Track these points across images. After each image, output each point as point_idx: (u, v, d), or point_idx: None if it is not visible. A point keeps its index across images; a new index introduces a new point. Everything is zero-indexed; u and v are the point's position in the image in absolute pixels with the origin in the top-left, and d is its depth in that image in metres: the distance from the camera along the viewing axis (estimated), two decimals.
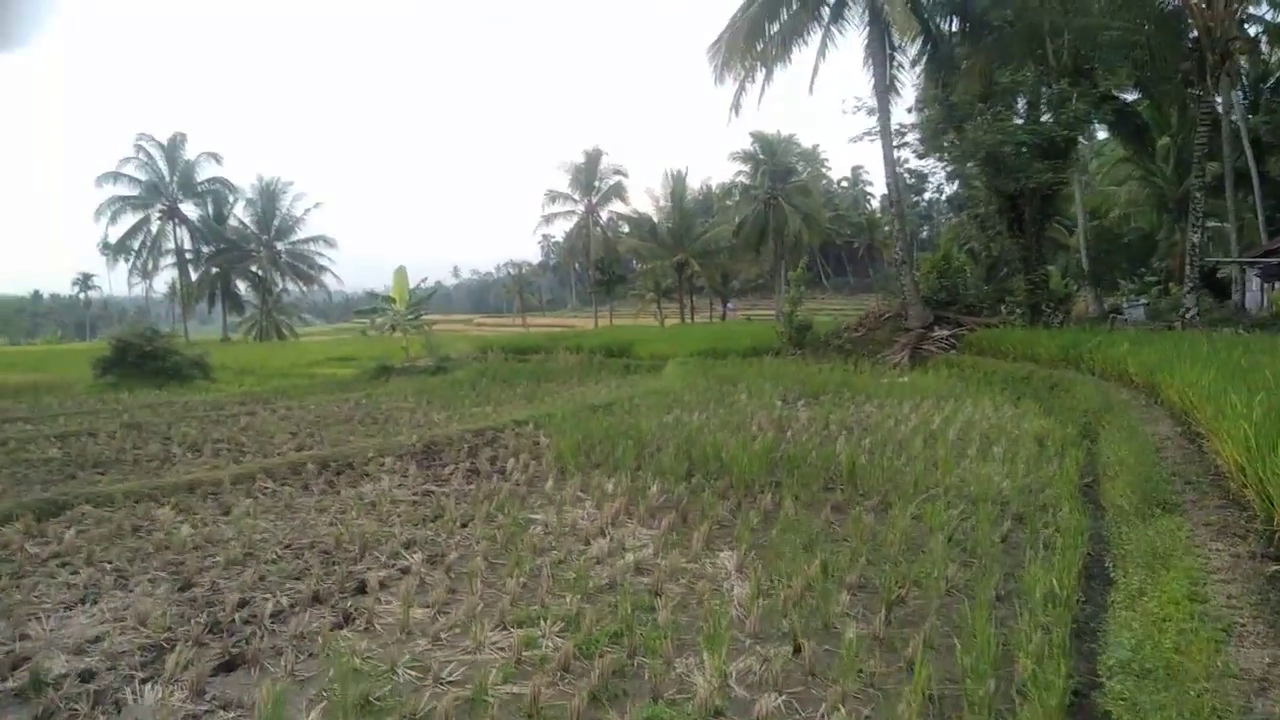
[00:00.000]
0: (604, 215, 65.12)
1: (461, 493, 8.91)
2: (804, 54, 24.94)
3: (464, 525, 7.69)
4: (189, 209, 66.98)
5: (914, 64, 24.31)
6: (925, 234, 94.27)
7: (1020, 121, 20.81)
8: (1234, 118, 35.08)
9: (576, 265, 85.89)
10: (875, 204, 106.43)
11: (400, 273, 29.32)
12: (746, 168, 62.86)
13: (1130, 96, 37.20)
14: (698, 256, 58.23)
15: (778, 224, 58.04)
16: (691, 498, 8.46)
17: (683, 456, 9.97)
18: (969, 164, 22.55)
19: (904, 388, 17.34)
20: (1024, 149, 20.24)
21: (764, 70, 24.02)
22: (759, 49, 23.73)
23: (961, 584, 6.05)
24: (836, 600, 5.66)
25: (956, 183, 24.45)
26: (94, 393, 24.66)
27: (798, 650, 4.92)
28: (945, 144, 22.22)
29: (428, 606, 5.69)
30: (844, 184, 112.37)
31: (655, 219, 61.09)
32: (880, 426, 12.49)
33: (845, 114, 59.56)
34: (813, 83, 25.06)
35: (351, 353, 37.79)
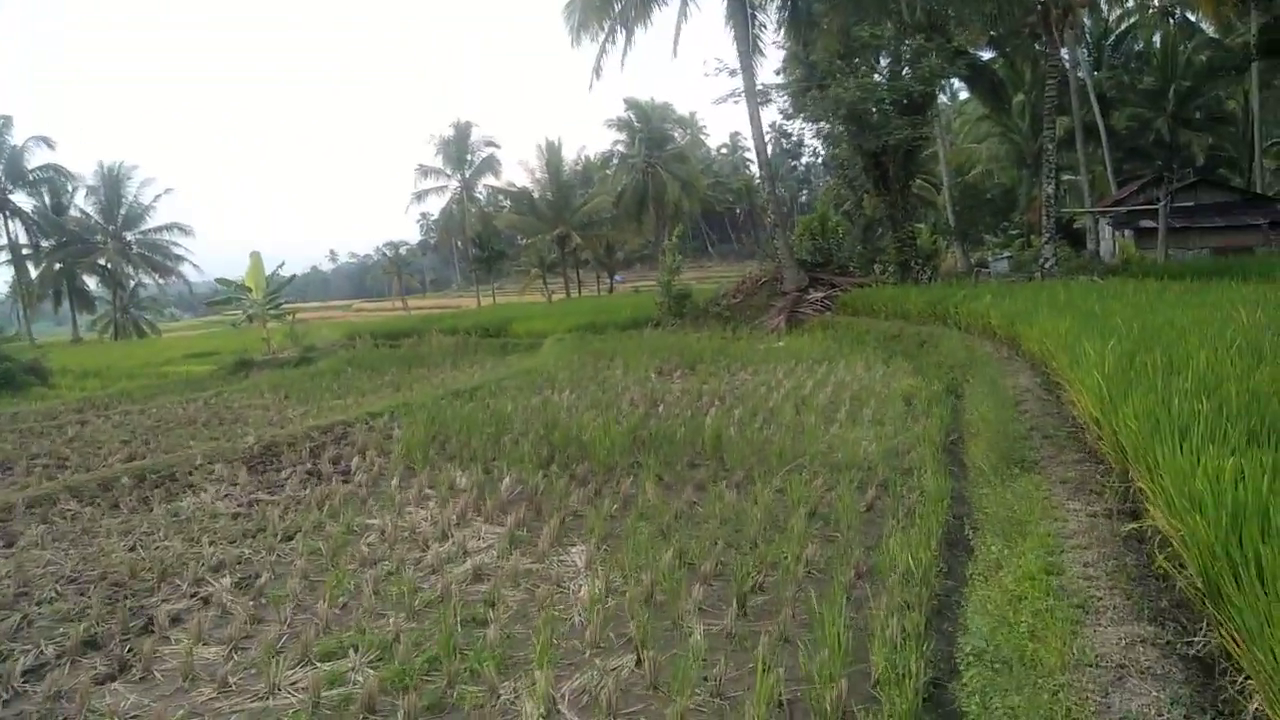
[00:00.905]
0: (479, 190, 63.27)
1: (294, 500, 8.04)
2: (665, 15, 24.36)
3: (288, 539, 6.86)
4: (21, 199, 61.46)
5: (777, 25, 24.12)
6: (804, 198, 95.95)
7: (880, 79, 20.85)
8: (1080, 74, 36.59)
9: (458, 244, 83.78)
10: (755, 170, 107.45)
11: (255, 259, 27.39)
12: (623, 136, 62.17)
13: (987, 55, 38.40)
14: (579, 229, 57.19)
15: (657, 192, 57.70)
16: (548, 487, 7.87)
17: (543, 442, 9.36)
18: (832, 122, 22.54)
19: (780, 352, 17.20)
20: (884, 105, 20.32)
21: (624, 32, 23.34)
22: (617, 9, 23.01)
23: (823, 563, 5.68)
24: (688, 594, 5.18)
25: (839, 145, 24.53)
26: None
27: (640, 661, 4.40)
28: (808, 103, 22.07)
29: (224, 643, 4.91)
30: (723, 150, 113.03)
31: (533, 192, 59.69)
32: (752, 395, 12.18)
33: (707, 76, 58.82)
34: (676, 45, 24.56)
35: (213, 347, 35.56)
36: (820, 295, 22.27)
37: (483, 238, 59.75)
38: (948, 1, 20.49)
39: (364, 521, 7.23)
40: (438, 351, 24.20)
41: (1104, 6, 42.52)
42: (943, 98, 37.74)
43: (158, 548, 6.71)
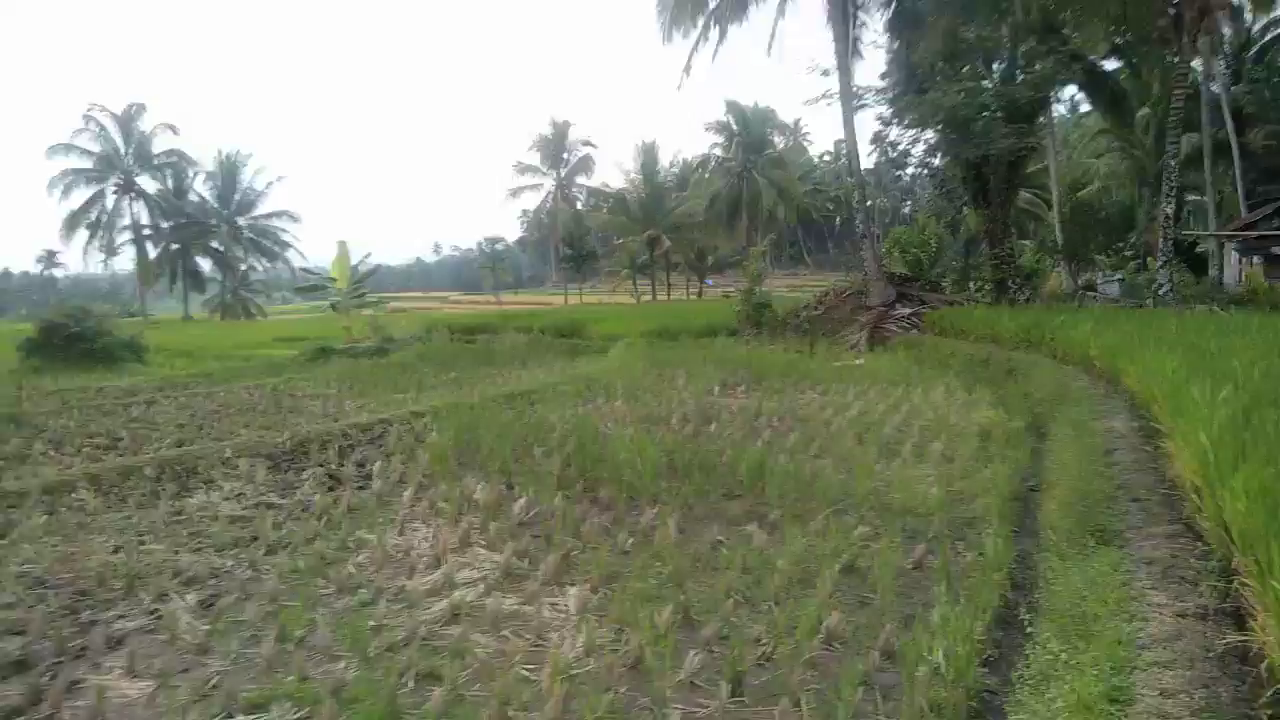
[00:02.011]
0: (574, 189, 63.42)
1: (301, 506, 7.62)
2: (762, 11, 23.45)
3: (275, 552, 6.39)
4: (146, 182, 64.82)
5: (881, 26, 22.88)
6: (908, 210, 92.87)
7: (986, 84, 19.39)
8: (1215, 87, 33.86)
9: (558, 243, 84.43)
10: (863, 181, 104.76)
11: (341, 248, 27.76)
12: (721, 139, 61.28)
13: (1111, 65, 35.96)
14: (669, 231, 56.68)
15: (751, 197, 56.61)
16: (564, 511, 7.20)
17: (575, 458, 8.71)
18: (931, 130, 21.19)
19: (855, 371, 16.14)
20: (988, 112, 18.91)
21: (717, 28, 22.55)
22: (711, 5, 22.22)
23: (848, 634, 4.84)
24: (682, 663, 4.42)
25: (938, 155, 23.11)
26: (14, 378, 23.14)
27: None
28: (906, 107, 20.78)
29: (153, 678, 4.41)
30: (825, 158, 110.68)
31: (626, 193, 59.42)
32: (815, 418, 11.26)
33: (801, 76, 56.78)
34: (771, 43, 23.61)
35: (302, 333, 36.33)
36: (907, 312, 20.99)
37: (574, 236, 59.83)
38: (1064, 1, 18.93)
39: (361, 537, 6.71)
40: (510, 350, 23.94)
41: (1248, 15, 39.34)
42: (1060, 109, 35.59)
43: (141, 551, 6.34)
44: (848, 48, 21.80)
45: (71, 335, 27.24)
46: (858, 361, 17.72)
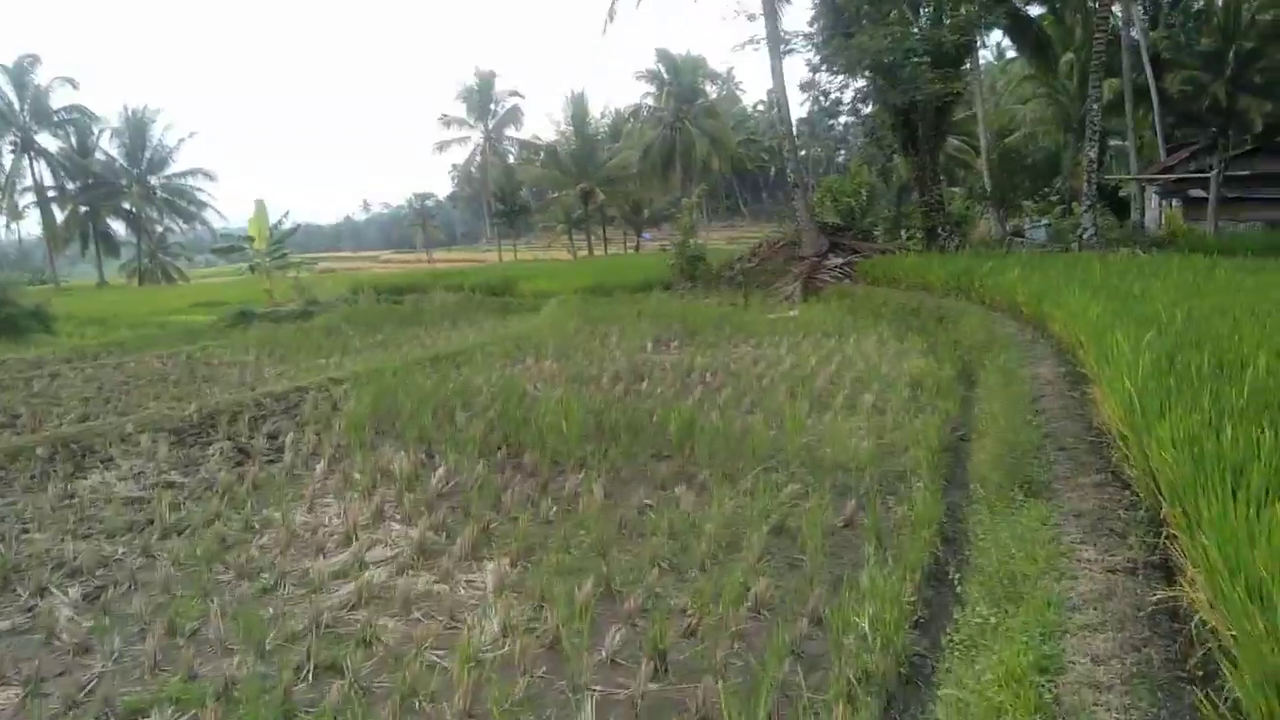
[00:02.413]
0: (503, 143, 61.89)
1: (205, 484, 7.16)
2: None
3: (170, 536, 5.96)
4: (47, 141, 61.19)
5: None
6: (842, 158, 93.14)
7: (913, 29, 19.13)
8: (1134, 34, 34.32)
9: (489, 199, 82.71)
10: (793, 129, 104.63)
11: (259, 207, 26.55)
12: (652, 89, 60.27)
13: (1036, 11, 36.14)
14: (603, 184, 55.78)
15: (684, 148, 55.95)
16: (485, 480, 6.89)
17: (499, 422, 8.38)
18: (857, 75, 20.89)
19: (789, 323, 16.04)
20: (914, 56, 18.70)
21: None
22: None
23: (776, 600, 4.67)
24: (602, 641, 4.20)
25: (867, 102, 22.86)
26: None
27: None
28: (831, 53, 20.42)
29: (21, 684, 4.01)
30: (759, 108, 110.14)
31: (557, 145, 58.13)
32: (748, 372, 11.09)
33: (724, 20, 55.36)
34: None
35: (222, 297, 34.97)
36: (839, 262, 20.94)
37: (505, 191, 58.49)
38: None
39: (268, 516, 6.32)
40: (439, 310, 23.29)
41: None
42: (986, 54, 35.62)
43: (22, 541, 5.85)
44: None
45: None
46: (791, 313, 17.62)
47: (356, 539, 5.72)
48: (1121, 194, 37.46)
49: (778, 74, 21.43)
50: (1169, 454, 3.74)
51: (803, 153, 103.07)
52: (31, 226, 67.88)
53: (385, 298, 26.61)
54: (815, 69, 21.45)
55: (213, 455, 8.02)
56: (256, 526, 6.11)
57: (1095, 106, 20.48)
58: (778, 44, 21.32)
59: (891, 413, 8.56)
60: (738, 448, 7.43)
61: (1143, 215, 32.37)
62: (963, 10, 18.03)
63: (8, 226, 63.10)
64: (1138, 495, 4.47)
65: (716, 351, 13.28)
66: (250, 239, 26.52)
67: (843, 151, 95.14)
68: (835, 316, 16.35)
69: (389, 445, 8.04)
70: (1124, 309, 8.38)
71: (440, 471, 6.96)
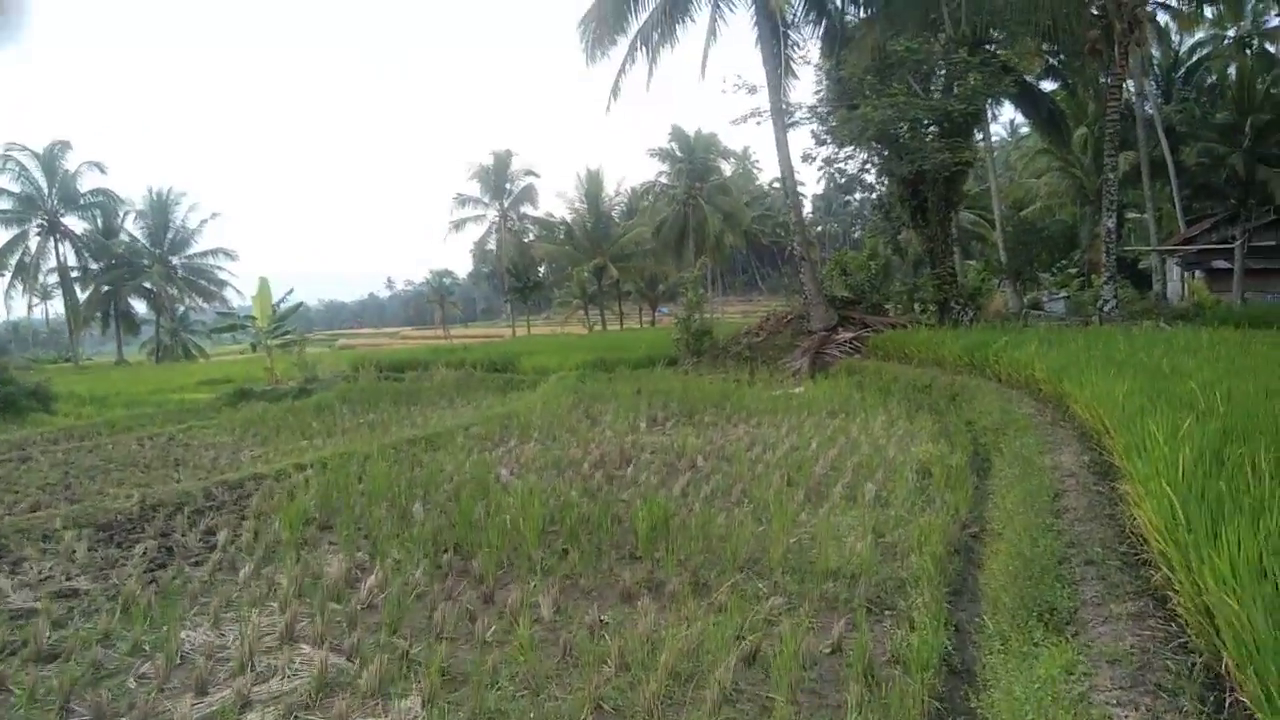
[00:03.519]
0: (517, 220, 62.29)
1: (110, 593, 6.31)
2: (693, 33, 22.74)
3: (42, 661, 5.10)
4: (73, 223, 62.25)
5: (810, 40, 22.25)
6: (857, 234, 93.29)
7: (917, 100, 18.68)
8: (1148, 108, 34.05)
9: (505, 274, 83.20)
10: (807, 205, 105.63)
11: (262, 284, 26.24)
12: (666, 166, 60.74)
13: (1048, 87, 36.04)
14: (616, 260, 55.75)
15: (697, 224, 56.00)
16: (423, 589, 6.02)
17: (456, 517, 7.52)
18: (860, 146, 20.43)
19: (794, 401, 15.17)
20: (920, 126, 18.21)
21: (645, 50, 21.69)
22: (635, 26, 21.45)
23: None
24: None
25: (871, 172, 22.52)
26: None
27: None
28: (834, 124, 20.02)
29: None
30: (775, 185, 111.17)
31: (571, 221, 58.41)
32: (741, 457, 10.19)
33: (724, 93, 55.58)
34: (704, 66, 22.82)
35: (227, 374, 34.61)
36: (849, 336, 20.14)
37: (519, 267, 58.57)
38: (994, 12, 18.33)
39: (163, 636, 5.44)
40: (437, 387, 22.64)
41: (1174, 37, 39.94)
42: (1000, 130, 35.31)
43: None
44: (778, 66, 21.09)
45: None
46: (797, 390, 16.76)
47: (253, 667, 4.84)
48: (1141, 266, 36.68)
49: (782, 146, 21.05)
50: (1231, 594, 2.84)
51: (819, 229, 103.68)
52: (59, 306, 68.62)
53: (386, 374, 26.01)
54: (821, 141, 21.06)
55: (134, 556, 7.19)
56: (146, 649, 5.24)
57: (1111, 176, 19.87)
58: (781, 116, 20.99)
59: (896, 505, 7.63)
60: (717, 549, 6.52)
61: (1164, 287, 31.51)
62: (970, 79, 17.60)
63: (38, 305, 63.74)
64: (1187, 633, 3.55)
65: (713, 432, 12.42)
66: (252, 317, 26.16)
67: (858, 227, 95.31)
68: (842, 394, 15.47)
69: (328, 546, 7.19)
70: (1154, 388, 7.51)
71: (372, 579, 6.08)
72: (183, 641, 5.30)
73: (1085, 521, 5.33)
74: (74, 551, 7.27)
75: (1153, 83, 37.60)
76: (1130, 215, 41.13)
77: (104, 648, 5.25)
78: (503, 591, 6.01)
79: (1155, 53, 37.69)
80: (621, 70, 22.22)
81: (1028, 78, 30.62)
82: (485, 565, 6.30)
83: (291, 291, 27.01)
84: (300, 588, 6.14)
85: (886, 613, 5.36)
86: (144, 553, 7.23)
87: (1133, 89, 31.97)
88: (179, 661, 5.04)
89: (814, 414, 13.68)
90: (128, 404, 27.02)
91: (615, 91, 22.48)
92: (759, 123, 21.14)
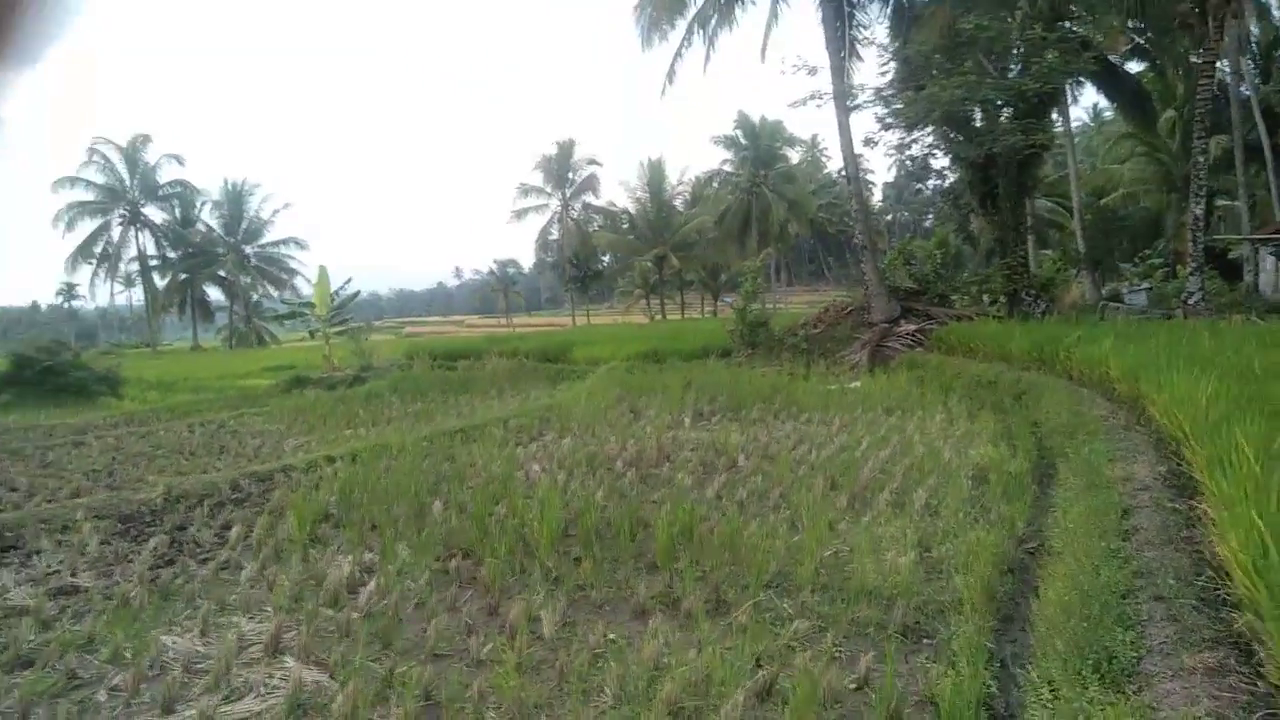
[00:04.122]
0: (578, 209, 62.11)
1: (105, 591, 6.11)
2: (753, 15, 21.99)
3: (19, 668, 4.88)
4: (153, 213, 64.48)
5: (877, 20, 21.25)
6: (929, 223, 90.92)
7: (988, 80, 17.54)
8: (1244, 88, 31.91)
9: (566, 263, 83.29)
10: (877, 194, 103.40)
11: (321, 273, 26.51)
12: (730, 154, 59.75)
13: (1135, 68, 34.09)
14: (678, 249, 55.11)
15: (761, 212, 54.96)
16: (424, 598, 5.65)
17: (475, 516, 7.15)
18: (930, 130, 19.37)
19: (849, 396, 14.46)
20: (991, 106, 17.12)
21: (701, 33, 21.05)
22: (693, 10, 20.76)
23: None
24: None
25: (938, 155, 21.38)
26: None
27: None
28: (899, 105, 18.98)
29: None
30: (843, 174, 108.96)
31: (633, 211, 57.93)
32: (785, 456, 9.61)
33: (782, 74, 53.63)
34: (765, 48, 22.06)
35: (293, 361, 35.24)
36: (912, 329, 19.23)
37: (580, 256, 58.41)
38: None
39: (147, 641, 5.18)
40: (489, 376, 22.49)
41: (1275, 11, 37.37)
42: (1082, 114, 33.42)
43: None
44: (841, 47, 20.19)
45: (45, 369, 26.39)
46: (853, 385, 16.02)
47: (228, 683, 4.52)
48: (1231, 256, 34.55)
49: (845, 130, 20.15)
50: None
51: (889, 217, 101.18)
52: (141, 293, 71.22)
53: (440, 363, 26.02)
54: (885, 125, 20.07)
55: (144, 551, 7.00)
56: (128, 656, 4.97)
57: (1201, 159, 18.51)
58: (844, 99, 20.08)
59: (946, 515, 6.98)
60: (745, 560, 6.01)
61: (1256, 278, 29.51)
62: (1047, 57, 16.44)
63: (122, 293, 66.25)
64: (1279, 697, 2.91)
65: (759, 429, 11.84)
66: (312, 305, 26.44)
67: (930, 215, 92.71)
68: (900, 389, 14.70)
69: (341, 543, 6.90)
70: (1244, 393, 6.71)
71: (371, 586, 5.74)
72: (165, 649, 5.03)
73: (1157, 546, 4.66)
74: (86, 545, 7.13)
75: (1249, 61, 35.26)
76: (1220, 203, 38.79)
77: (85, 654, 5.00)
78: (509, 602, 5.60)
79: (1254, 28, 35.34)
80: (678, 54, 21.65)
81: (1112, 58, 28.96)
82: (492, 573, 5.89)
83: (350, 280, 27.27)
84: (299, 592, 5.84)
85: (924, 641, 4.77)
86: (154, 548, 7.03)
87: (1227, 68, 30.01)
88: (157, 672, 4.75)
89: (869, 411, 12.99)
90: (193, 389, 27.65)
91: (670, 76, 21.91)
92: (819, 105, 20.35)
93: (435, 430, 12.48)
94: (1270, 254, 29.62)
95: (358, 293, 28.00)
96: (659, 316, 61.25)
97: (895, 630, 4.86)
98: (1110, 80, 28.34)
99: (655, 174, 56.52)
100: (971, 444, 9.79)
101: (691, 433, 11.78)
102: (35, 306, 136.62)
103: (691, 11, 21.13)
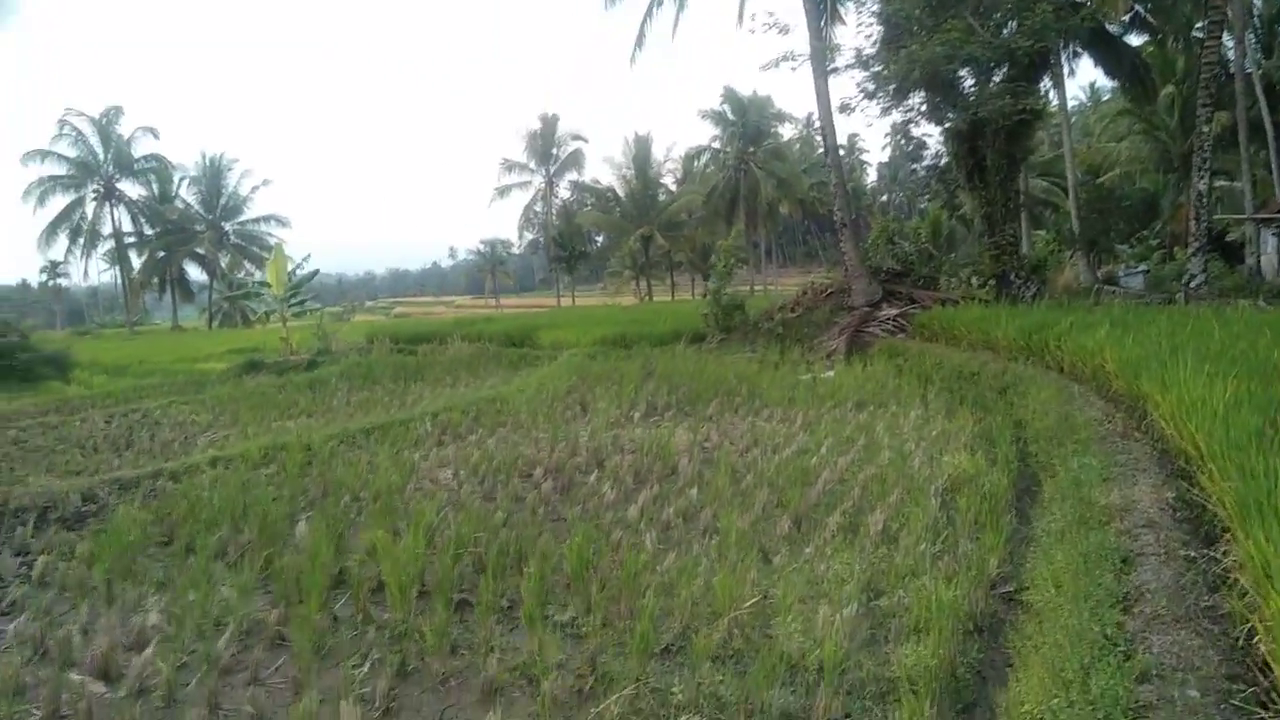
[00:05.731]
0: (563, 187, 60.49)
1: None
2: None
3: None
4: (128, 188, 62.53)
5: None
6: (924, 205, 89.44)
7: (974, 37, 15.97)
8: (1246, 63, 30.50)
9: (550, 242, 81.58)
10: (871, 174, 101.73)
11: (277, 252, 25.06)
12: (718, 130, 58.02)
13: (1136, 42, 32.64)
14: (664, 229, 53.58)
15: (749, 190, 53.43)
16: (228, 663, 4.38)
17: (322, 550, 5.86)
18: (906, 92, 17.83)
19: (820, 388, 13.18)
20: (978, 65, 15.61)
21: None
22: None
23: None
24: None
25: (906, 124, 19.90)
26: None
27: None
28: (877, 65, 17.46)
29: None
30: (839, 153, 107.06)
31: (619, 188, 56.29)
32: (732, 463, 8.34)
33: (752, 33, 50.93)
34: (742, 11, 20.59)
35: (252, 343, 33.85)
36: (893, 313, 17.91)
37: (564, 236, 56.80)
38: None
39: None
40: (449, 361, 21.20)
41: None
42: (1078, 92, 31.87)
43: None
44: (819, 5, 18.72)
45: None
46: (827, 374, 14.73)
47: None
48: (1229, 238, 33.28)
49: (822, 95, 18.66)
50: None
51: (883, 198, 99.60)
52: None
53: (401, 347, 24.68)
54: (868, 94, 18.55)
55: None
56: None
57: (1206, 130, 17.16)
58: (822, 61, 18.59)
59: (905, 546, 5.73)
60: (640, 614, 4.73)
61: (1258, 261, 28.24)
62: (1038, 11, 14.95)
63: (85, 273, 64.32)
64: None
65: (713, 426, 10.56)
66: (267, 284, 25.02)
67: (925, 197, 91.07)
68: (876, 380, 13.44)
69: (156, 579, 5.62)
70: (1269, 396, 5.44)
71: (150, 650, 4.45)
72: None
73: (1171, 624, 3.39)
74: None
75: (1252, 35, 33.84)
76: (1219, 183, 37.45)
77: None
78: (325, 674, 4.33)
79: (1257, 2, 33.94)
80: (646, 16, 20.16)
81: (1111, 28, 27.50)
82: (299, 637, 4.58)
83: (308, 257, 25.98)
84: (68, 654, 4.56)
85: None
86: None
87: (1229, 43, 28.61)
88: None
89: (839, 404, 11.73)
90: (145, 373, 26.28)
91: (640, 41, 20.44)
92: (794, 68, 18.83)
93: (349, 428, 11.17)
94: (1274, 235, 28.36)
95: (316, 271, 26.77)
96: (648, 298, 59.80)
97: None
98: (1109, 52, 26.91)
99: (641, 150, 54.81)
100: (946, 448, 8.53)
101: (637, 430, 10.51)
102: (25, 285, 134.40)
103: None
